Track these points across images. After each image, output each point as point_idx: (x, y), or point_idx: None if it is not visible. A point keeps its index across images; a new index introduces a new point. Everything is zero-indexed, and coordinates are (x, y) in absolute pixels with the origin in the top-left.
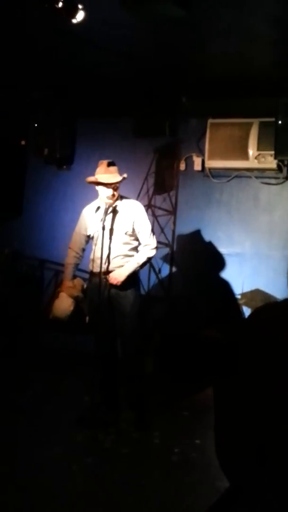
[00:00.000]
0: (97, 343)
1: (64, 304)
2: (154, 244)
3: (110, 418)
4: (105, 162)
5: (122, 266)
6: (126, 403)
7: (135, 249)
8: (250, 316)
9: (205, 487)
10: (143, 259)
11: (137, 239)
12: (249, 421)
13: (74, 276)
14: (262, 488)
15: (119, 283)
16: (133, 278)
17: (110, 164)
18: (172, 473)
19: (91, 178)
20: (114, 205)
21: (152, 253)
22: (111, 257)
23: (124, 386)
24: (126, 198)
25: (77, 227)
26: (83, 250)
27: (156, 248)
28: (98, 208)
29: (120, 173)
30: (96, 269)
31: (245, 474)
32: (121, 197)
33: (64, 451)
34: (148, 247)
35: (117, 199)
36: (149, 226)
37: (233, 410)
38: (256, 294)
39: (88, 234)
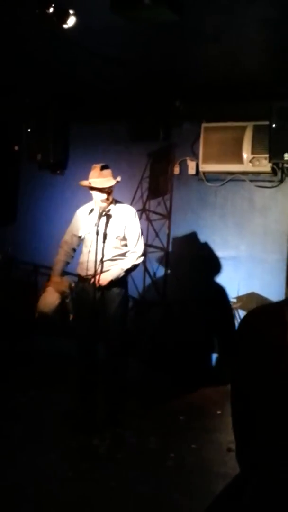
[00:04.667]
0: (77, 346)
1: (50, 298)
2: (141, 251)
3: (89, 421)
4: (98, 166)
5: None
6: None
7: (124, 254)
8: (244, 317)
9: (201, 492)
10: (128, 266)
11: (127, 244)
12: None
13: (64, 274)
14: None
15: (102, 286)
16: (120, 281)
17: (103, 168)
18: (168, 478)
19: (84, 182)
20: (107, 209)
21: (138, 261)
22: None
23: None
24: (119, 202)
25: (69, 227)
26: (74, 250)
27: (143, 255)
28: (92, 210)
29: (114, 176)
30: (84, 273)
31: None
32: (115, 201)
33: (60, 457)
34: (135, 255)
35: (111, 203)
36: (138, 233)
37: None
38: (251, 297)
39: (79, 235)
